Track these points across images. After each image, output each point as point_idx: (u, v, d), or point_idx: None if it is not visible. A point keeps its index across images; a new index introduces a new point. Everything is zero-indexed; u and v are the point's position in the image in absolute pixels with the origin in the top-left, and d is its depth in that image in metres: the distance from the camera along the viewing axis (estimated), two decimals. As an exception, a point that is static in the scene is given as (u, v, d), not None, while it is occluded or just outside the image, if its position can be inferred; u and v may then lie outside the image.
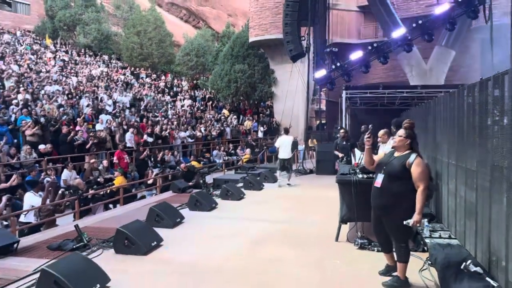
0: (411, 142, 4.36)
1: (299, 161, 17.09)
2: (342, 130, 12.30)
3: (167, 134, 17.17)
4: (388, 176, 4.26)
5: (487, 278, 3.50)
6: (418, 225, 4.03)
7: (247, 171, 13.67)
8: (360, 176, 5.87)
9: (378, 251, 5.52)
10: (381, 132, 7.72)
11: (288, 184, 12.14)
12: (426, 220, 5.42)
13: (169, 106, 24.80)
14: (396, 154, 4.42)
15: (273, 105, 27.38)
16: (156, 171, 12.79)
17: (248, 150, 19.84)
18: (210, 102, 29.59)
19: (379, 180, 4.33)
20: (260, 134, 24.35)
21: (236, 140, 22.34)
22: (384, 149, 6.47)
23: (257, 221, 7.60)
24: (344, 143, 11.82)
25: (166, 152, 15.33)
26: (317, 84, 20.13)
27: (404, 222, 4.05)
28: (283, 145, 11.80)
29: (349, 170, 6.36)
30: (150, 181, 12.62)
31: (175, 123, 19.82)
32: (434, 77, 22.31)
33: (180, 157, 16.41)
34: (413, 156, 4.27)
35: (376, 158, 4.62)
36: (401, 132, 4.41)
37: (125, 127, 16.44)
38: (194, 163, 14.59)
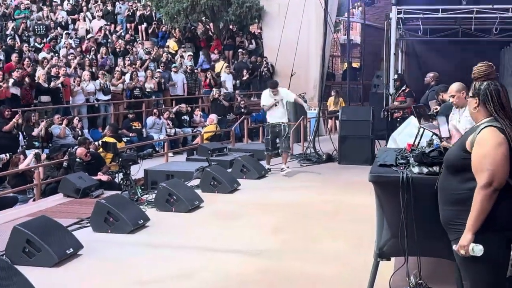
0: (486, 103, 2.90)
1: (309, 138, 12.06)
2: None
3: (60, 85, 11.49)
4: (445, 169, 3.06)
5: None
6: (465, 252, 2.83)
7: (209, 156, 9.60)
8: (416, 169, 3.91)
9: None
10: (453, 88, 5.47)
11: (282, 170, 8.91)
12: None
13: (60, 30, 16.21)
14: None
15: (262, 33, 18.76)
16: (30, 156, 8.58)
17: (213, 117, 13.81)
18: (145, 25, 19.96)
19: None
20: (229, 86, 16.82)
21: (192, 98, 16.34)
22: (460, 118, 4.88)
23: (222, 254, 5.51)
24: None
25: (56, 119, 10.38)
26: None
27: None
28: (282, 103, 8.92)
29: (395, 157, 4.40)
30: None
31: (72, 64, 13.11)
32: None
33: (84, 129, 11.36)
34: (480, 127, 2.89)
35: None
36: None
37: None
38: (109, 139, 9.91)
